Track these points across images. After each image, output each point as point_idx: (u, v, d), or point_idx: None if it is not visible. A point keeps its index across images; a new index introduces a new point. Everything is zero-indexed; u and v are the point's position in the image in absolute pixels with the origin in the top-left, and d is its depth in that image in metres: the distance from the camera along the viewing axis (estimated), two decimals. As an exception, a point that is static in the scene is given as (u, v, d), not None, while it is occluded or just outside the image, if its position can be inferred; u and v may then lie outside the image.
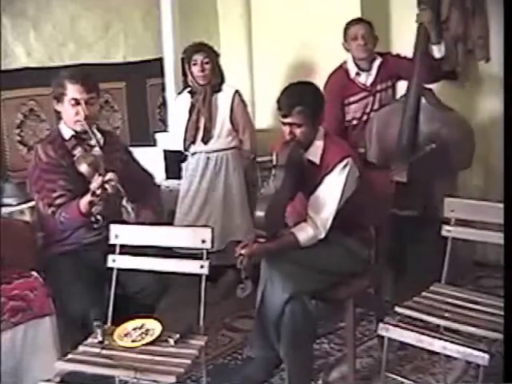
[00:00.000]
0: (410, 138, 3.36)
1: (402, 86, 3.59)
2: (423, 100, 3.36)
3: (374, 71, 3.59)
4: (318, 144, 2.70)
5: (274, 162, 2.68)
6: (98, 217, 2.59)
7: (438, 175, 3.34)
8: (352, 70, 3.60)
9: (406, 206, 3.26)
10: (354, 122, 3.64)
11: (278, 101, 2.67)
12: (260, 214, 2.52)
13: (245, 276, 2.60)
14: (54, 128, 2.96)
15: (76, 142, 2.69)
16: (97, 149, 2.64)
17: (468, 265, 3.68)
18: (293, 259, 2.59)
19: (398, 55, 3.61)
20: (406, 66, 3.43)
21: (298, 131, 2.64)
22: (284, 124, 2.66)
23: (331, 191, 2.64)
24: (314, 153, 2.69)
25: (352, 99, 3.60)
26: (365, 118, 3.63)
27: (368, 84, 3.60)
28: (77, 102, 2.66)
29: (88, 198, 2.48)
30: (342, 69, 3.64)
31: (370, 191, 2.79)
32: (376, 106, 3.61)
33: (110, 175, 2.47)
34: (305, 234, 2.64)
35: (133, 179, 2.74)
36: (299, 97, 2.64)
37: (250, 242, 2.58)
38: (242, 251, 2.55)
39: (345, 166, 2.64)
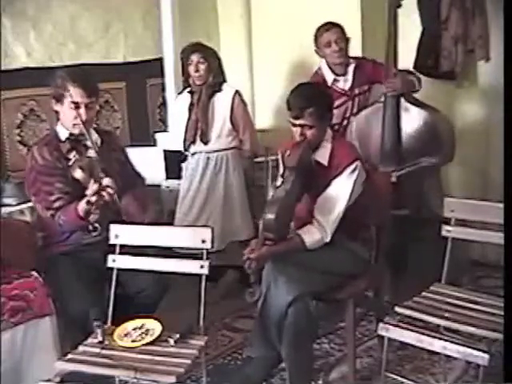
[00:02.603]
0: (394, 137, 3.37)
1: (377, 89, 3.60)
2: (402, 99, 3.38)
3: (350, 76, 3.56)
4: (327, 145, 2.68)
5: (283, 164, 2.66)
6: (96, 225, 2.58)
7: (424, 173, 3.37)
8: (329, 76, 3.57)
9: (397, 205, 3.27)
10: (335, 128, 3.61)
11: (288, 101, 2.64)
12: (270, 216, 2.49)
13: (254, 280, 2.58)
14: (51, 130, 2.96)
15: (71, 146, 2.66)
16: (92, 151, 2.63)
17: (465, 264, 3.69)
18: (297, 261, 2.58)
19: (373, 60, 3.59)
20: (382, 72, 3.42)
21: (308, 133, 2.62)
22: (294, 125, 2.64)
23: (339, 194, 2.63)
24: (322, 154, 2.67)
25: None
26: (345, 122, 3.61)
27: (346, 89, 3.58)
28: (77, 106, 2.64)
29: (84, 205, 2.48)
30: (317, 75, 3.61)
31: (372, 191, 2.79)
32: (355, 110, 3.60)
33: (107, 181, 2.46)
34: (311, 237, 2.63)
35: (125, 180, 2.74)
36: (311, 98, 2.61)
37: (257, 245, 2.57)
38: (251, 255, 2.54)
39: (354, 170, 2.62)
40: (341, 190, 2.63)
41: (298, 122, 2.62)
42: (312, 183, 2.66)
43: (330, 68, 3.57)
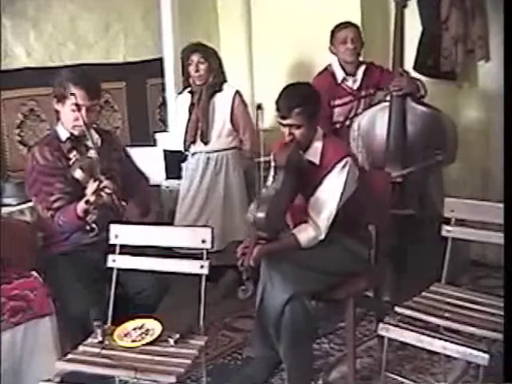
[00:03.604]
0: (400, 137, 3.38)
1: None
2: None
3: (359, 76, 3.60)
4: (317, 145, 2.70)
5: (273, 163, 2.68)
6: (93, 225, 2.58)
7: (427, 172, 3.38)
8: (339, 74, 3.60)
9: (402, 205, 3.28)
10: (337, 126, 3.63)
11: (277, 102, 2.66)
12: (261, 215, 2.51)
13: (246, 277, 2.59)
14: (51, 130, 2.95)
15: (72, 145, 2.66)
16: (93, 151, 2.63)
17: (465, 264, 3.69)
18: (293, 260, 2.58)
19: (381, 67, 3.62)
20: (389, 79, 3.45)
21: (297, 132, 2.64)
22: (283, 125, 2.66)
23: (331, 191, 2.64)
24: (314, 153, 2.69)
25: (337, 102, 3.60)
26: (347, 122, 3.63)
27: (354, 88, 3.61)
28: (79, 108, 2.62)
29: (83, 205, 2.48)
30: (327, 72, 3.64)
31: (370, 190, 2.79)
32: (359, 112, 3.61)
33: (105, 183, 2.46)
34: (305, 234, 2.63)
35: (128, 179, 2.74)
36: (298, 98, 2.63)
37: (251, 243, 2.57)
38: (244, 251, 2.55)
39: (344, 166, 2.63)
40: (332, 187, 2.64)
41: (285, 121, 2.64)
42: (304, 182, 2.67)
43: (341, 66, 3.59)
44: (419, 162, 3.33)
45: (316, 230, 2.64)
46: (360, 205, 2.71)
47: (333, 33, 3.58)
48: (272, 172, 2.72)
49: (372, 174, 2.94)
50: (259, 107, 2.55)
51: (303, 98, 2.64)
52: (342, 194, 2.63)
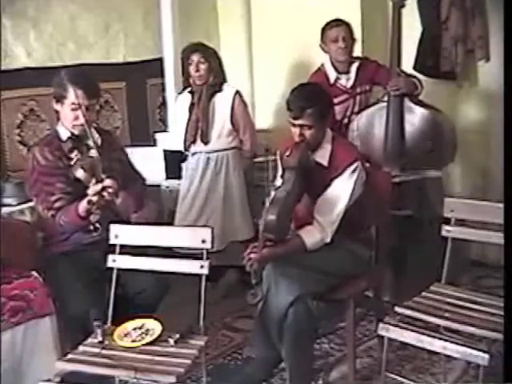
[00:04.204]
0: (398, 137, 3.38)
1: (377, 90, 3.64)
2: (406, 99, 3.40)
3: (352, 74, 3.57)
4: (327, 146, 2.68)
5: (282, 164, 2.66)
6: (97, 225, 2.58)
7: (425, 172, 3.40)
8: (331, 74, 3.57)
9: (402, 206, 3.28)
10: (336, 125, 3.60)
11: (288, 102, 2.64)
12: (272, 217, 2.47)
13: (255, 282, 2.56)
14: (52, 129, 2.96)
15: (73, 145, 2.65)
16: (93, 151, 2.63)
17: (465, 264, 3.69)
18: (297, 262, 2.58)
19: (376, 62, 3.60)
20: (384, 74, 3.45)
21: (308, 133, 2.62)
22: (294, 125, 2.63)
23: (339, 194, 2.63)
24: (323, 155, 2.67)
25: (334, 101, 3.57)
26: (345, 120, 3.62)
27: (348, 86, 3.58)
28: (77, 107, 2.62)
29: (85, 205, 2.48)
30: (320, 72, 3.61)
31: (372, 191, 2.79)
32: (356, 109, 3.60)
33: (108, 182, 2.46)
34: (312, 238, 2.62)
35: (126, 179, 2.74)
36: (311, 98, 2.61)
37: (258, 246, 2.55)
38: (252, 256, 2.54)
39: (354, 170, 2.63)
40: (341, 190, 2.63)
41: (297, 122, 2.61)
42: (312, 184, 2.65)
43: (333, 65, 3.57)
44: (417, 173, 3.37)
45: (322, 233, 2.63)
46: (364, 207, 2.70)
47: (323, 30, 3.55)
48: (280, 173, 2.70)
49: (375, 175, 2.93)
50: (267, 151, 2.54)
51: (316, 99, 2.62)
52: (350, 198, 2.63)
